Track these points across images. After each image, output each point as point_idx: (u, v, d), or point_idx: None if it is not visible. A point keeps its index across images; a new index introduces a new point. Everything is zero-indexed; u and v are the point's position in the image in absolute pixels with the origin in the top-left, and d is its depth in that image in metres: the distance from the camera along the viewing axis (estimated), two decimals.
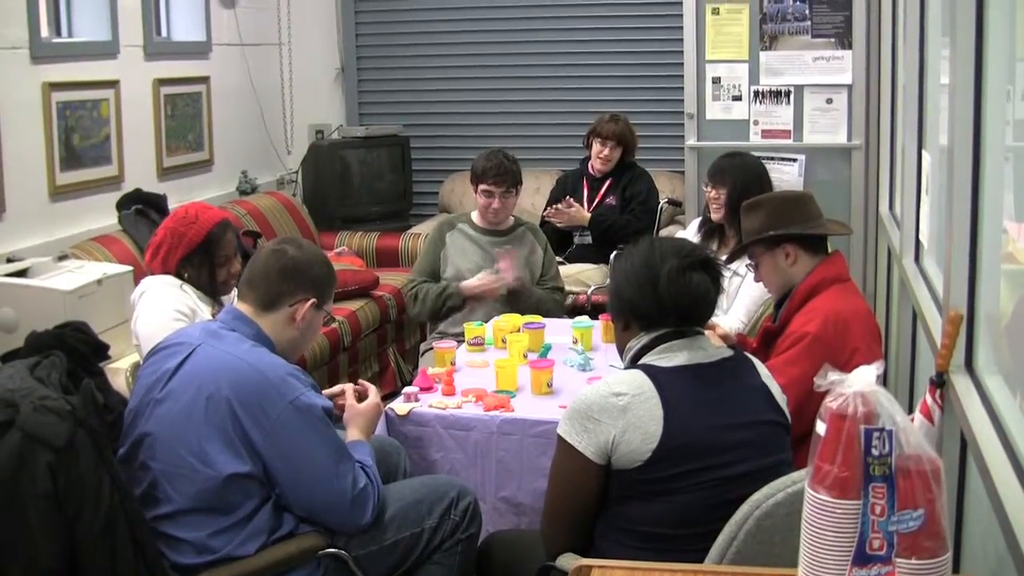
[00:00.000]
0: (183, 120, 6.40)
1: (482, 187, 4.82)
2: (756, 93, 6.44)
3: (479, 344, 4.21)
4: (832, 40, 6.28)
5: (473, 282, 4.75)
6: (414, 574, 3.05)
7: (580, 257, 5.96)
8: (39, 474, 2.45)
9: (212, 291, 3.80)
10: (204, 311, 3.68)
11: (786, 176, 6.39)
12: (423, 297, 4.81)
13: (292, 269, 3.03)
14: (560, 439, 2.63)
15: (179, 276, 3.78)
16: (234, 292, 3.63)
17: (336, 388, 3.36)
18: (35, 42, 5.10)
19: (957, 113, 2.77)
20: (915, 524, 1.75)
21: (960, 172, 2.77)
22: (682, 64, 6.62)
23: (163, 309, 3.64)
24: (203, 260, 3.77)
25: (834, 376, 1.81)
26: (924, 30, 4.20)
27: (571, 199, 5.93)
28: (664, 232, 6.32)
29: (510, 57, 7.73)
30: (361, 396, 3.31)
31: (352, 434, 3.16)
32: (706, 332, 2.78)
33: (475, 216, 4.96)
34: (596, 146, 5.99)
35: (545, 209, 6.11)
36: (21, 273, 4.45)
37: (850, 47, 6.26)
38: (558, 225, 5.91)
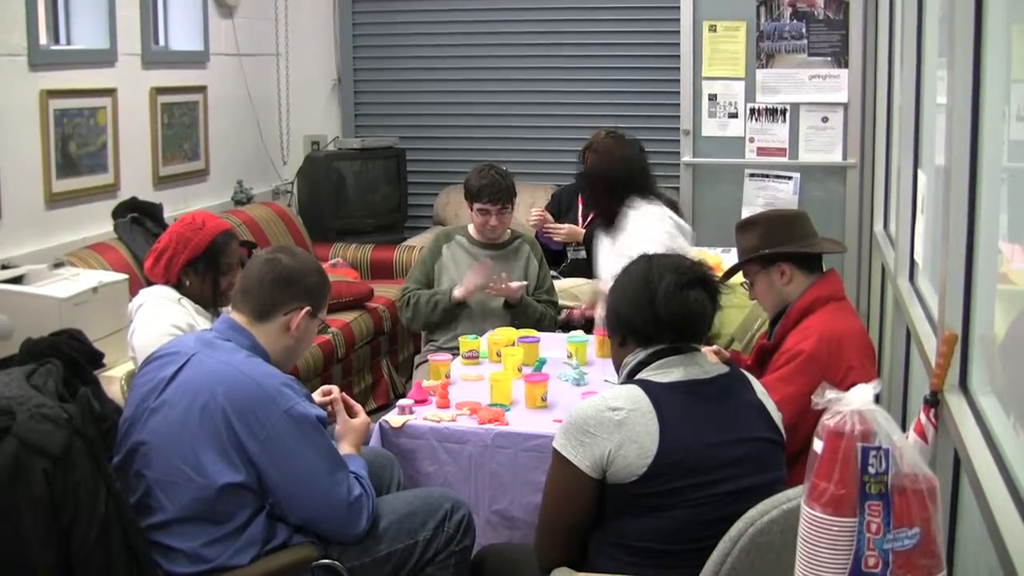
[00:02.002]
0: (179, 129, 6.40)
1: (478, 206, 4.82)
2: (752, 111, 6.47)
3: (474, 357, 4.21)
4: (828, 59, 6.31)
5: (459, 289, 4.74)
6: None
7: (574, 272, 5.95)
8: (35, 481, 2.45)
9: (213, 300, 3.78)
10: (202, 326, 3.63)
11: (781, 194, 6.42)
12: (415, 303, 4.81)
13: (286, 278, 3.03)
14: (555, 452, 2.63)
15: (180, 284, 3.75)
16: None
17: (320, 395, 3.35)
18: (33, 49, 5.10)
19: (954, 133, 2.78)
20: (911, 542, 1.75)
21: (956, 192, 2.78)
22: (679, 81, 6.65)
23: (159, 324, 3.61)
24: (207, 267, 3.74)
25: (832, 394, 1.81)
26: (921, 50, 4.22)
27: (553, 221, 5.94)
28: None
29: (507, 71, 7.74)
30: (348, 409, 3.32)
31: (345, 448, 3.15)
32: (703, 349, 2.79)
33: (471, 229, 4.96)
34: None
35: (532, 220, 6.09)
36: (16, 280, 4.45)
37: (846, 66, 6.29)
38: (556, 239, 5.91)
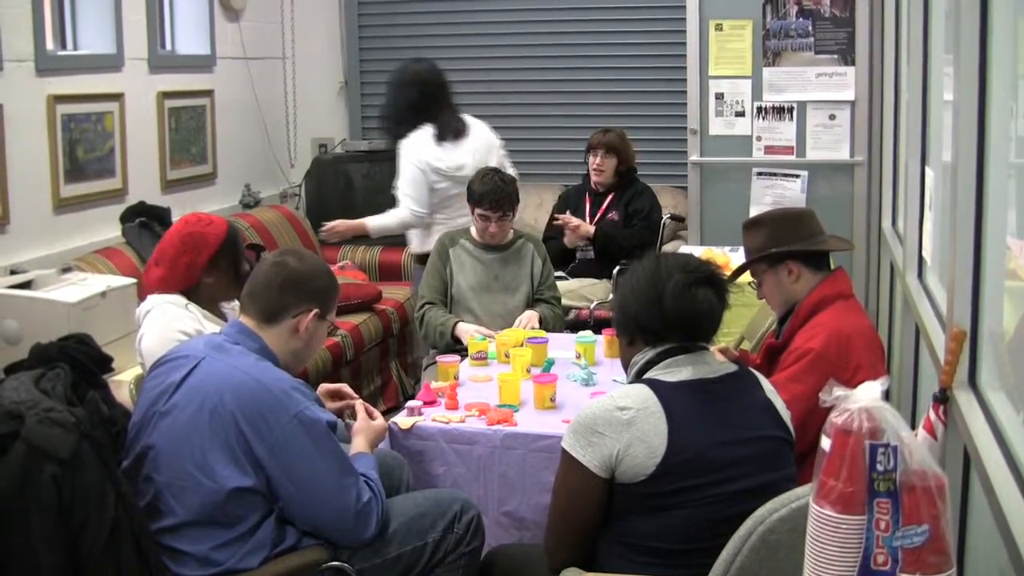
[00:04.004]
0: (187, 133, 6.41)
1: (478, 212, 4.80)
2: (759, 109, 6.46)
3: (482, 358, 4.21)
4: (835, 56, 6.30)
5: (471, 331, 4.68)
6: None
7: (582, 272, 5.96)
8: (44, 486, 2.45)
9: (238, 289, 3.67)
10: (210, 331, 3.59)
11: (789, 192, 6.41)
12: (425, 324, 4.80)
13: (294, 281, 3.03)
14: (564, 453, 2.64)
15: (196, 285, 3.72)
16: (236, 304, 3.62)
17: (325, 394, 3.37)
18: (40, 55, 5.12)
19: (961, 130, 2.77)
20: (920, 540, 1.75)
21: (964, 189, 2.77)
22: (685, 80, 6.63)
23: (167, 331, 3.59)
24: (231, 256, 3.68)
25: (839, 391, 1.81)
26: (927, 47, 4.21)
27: (567, 214, 5.94)
28: (666, 247, 6.33)
29: (513, 72, 7.74)
30: (369, 415, 3.33)
31: (358, 444, 3.16)
32: (711, 348, 2.79)
33: (474, 232, 4.95)
34: (590, 157, 6.02)
35: (549, 226, 6.14)
36: (25, 285, 4.46)
37: (853, 63, 6.27)
38: (567, 244, 5.92)
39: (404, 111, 5.41)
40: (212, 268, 3.67)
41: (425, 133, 5.31)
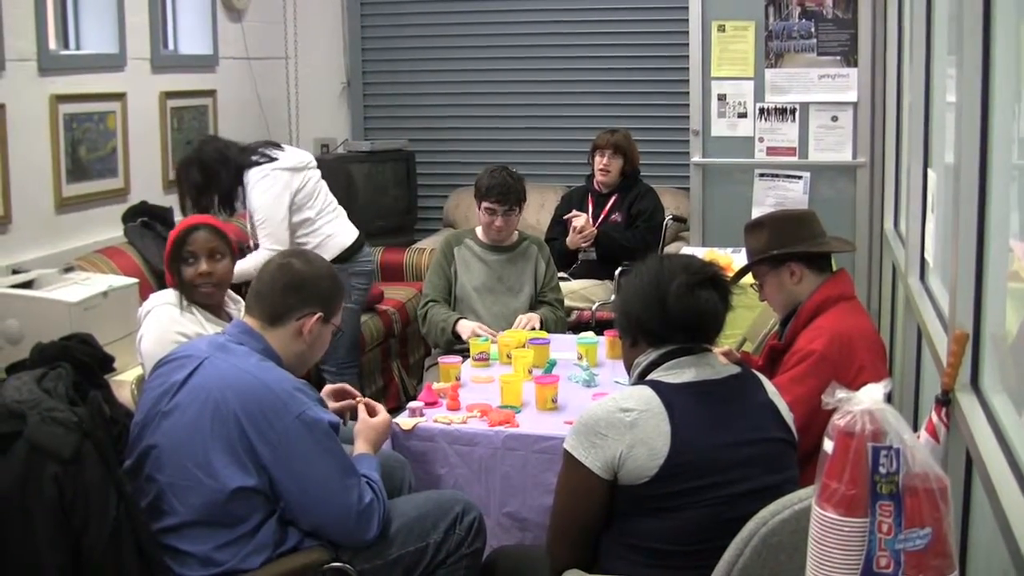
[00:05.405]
0: (189, 133, 6.41)
1: (485, 205, 4.83)
2: (761, 110, 6.44)
3: (484, 359, 4.21)
4: (838, 58, 6.28)
5: (474, 327, 4.70)
6: None
7: (585, 273, 5.96)
8: (46, 485, 2.45)
9: (184, 292, 3.80)
10: (211, 331, 3.61)
11: (791, 194, 6.39)
12: (428, 321, 4.81)
13: (298, 283, 3.03)
14: (567, 454, 2.63)
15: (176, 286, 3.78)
16: (242, 305, 3.62)
17: (328, 395, 3.38)
18: (43, 54, 5.12)
19: (963, 131, 2.77)
20: (922, 542, 1.75)
21: (966, 190, 2.77)
22: (688, 81, 6.62)
23: (166, 332, 3.62)
24: (173, 258, 3.78)
25: (842, 394, 1.81)
26: (930, 48, 4.21)
27: (574, 211, 5.95)
28: (668, 249, 6.32)
29: (516, 73, 7.74)
30: (371, 411, 3.32)
31: (360, 446, 3.16)
32: (714, 350, 2.79)
33: (479, 232, 4.96)
34: (596, 158, 6.02)
35: (551, 228, 6.14)
36: (27, 285, 4.46)
37: (856, 65, 6.26)
38: (569, 245, 5.91)
39: (224, 175, 5.09)
40: (171, 268, 3.81)
41: (261, 164, 5.14)
